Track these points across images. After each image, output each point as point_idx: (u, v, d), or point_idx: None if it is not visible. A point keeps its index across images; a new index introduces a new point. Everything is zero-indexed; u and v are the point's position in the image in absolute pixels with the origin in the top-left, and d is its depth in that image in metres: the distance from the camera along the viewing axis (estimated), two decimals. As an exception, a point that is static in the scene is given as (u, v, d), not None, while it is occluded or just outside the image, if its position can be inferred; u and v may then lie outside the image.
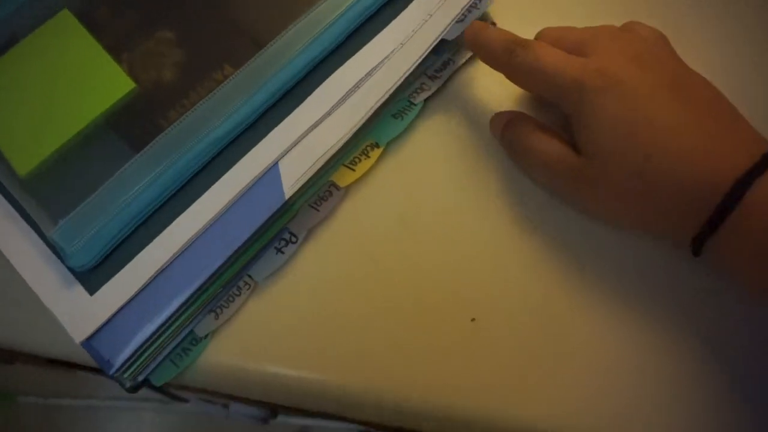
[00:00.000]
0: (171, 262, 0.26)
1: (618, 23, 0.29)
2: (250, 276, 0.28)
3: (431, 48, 0.29)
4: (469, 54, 0.32)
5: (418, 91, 0.31)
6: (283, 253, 0.28)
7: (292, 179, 0.27)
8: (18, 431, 0.87)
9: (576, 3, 0.34)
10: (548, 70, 0.26)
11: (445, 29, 0.30)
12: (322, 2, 0.30)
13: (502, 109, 0.30)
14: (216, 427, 0.82)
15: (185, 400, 0.40)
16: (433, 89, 0.31)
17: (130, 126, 0.28)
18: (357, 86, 0.29)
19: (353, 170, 0.29)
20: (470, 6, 0.31)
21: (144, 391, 0.27)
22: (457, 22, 0.30)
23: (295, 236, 0.28)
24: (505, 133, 0.29)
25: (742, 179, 0.23)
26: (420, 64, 0.29)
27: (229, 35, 0.30)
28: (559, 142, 0.27)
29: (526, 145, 0.28)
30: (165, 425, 0.86)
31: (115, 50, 0.30)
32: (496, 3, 0.32)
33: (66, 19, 0.30)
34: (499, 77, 0.30)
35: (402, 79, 0.29)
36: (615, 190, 0.25)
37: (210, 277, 0.26)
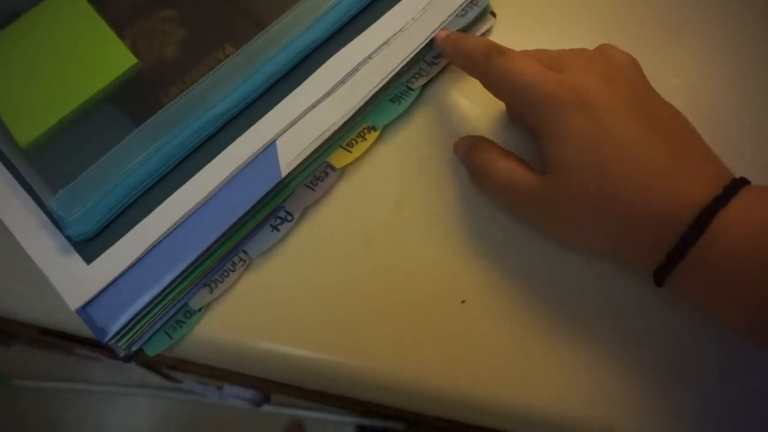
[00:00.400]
0: (167, 235, 0.26)
1: (611, 29, 0.29)
2: (245, 252, 0.28)
3: (431, 37, 0.30)
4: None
5: (416, 76, 0.31)
6: (278, 230, 0.28)
7: (289, 158, 0.28)
8: (12, 413, 0.88)
9: (576, 2, 0.34)
10: (523, 80, 0.25)
11: (446, 21, 0.30)
12: (323, -14, 0.31)
13: (491, 100, 0.30)
14: (209, 414, 0.83)
15: (179, 381, 0.41)
16: (431, 75, 0.31)
17: (132, 100, 0.29)
18: (356, 69, 0.29)
19: (350, 152, 0.30)
20: (470, 1, 0.31)
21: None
22: (457, 15, 0.31)
23: (290, 214, 0.29)
24: (468, 157, 0.29)
25: (705, 211, 0.22)
26: (419, 51, 0.30)
27: (231, 16, 0.31)
28: (521, 165, 0.27)
29: (489, 168, 0.28)
30: (159, 411, 0.87)
31: (118, 26, 0.30)
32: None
33: (71, -5, 0.31)
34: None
35: (401, 65, 0.30)
36: (577, 210, 0.25)
37: (205, 251, 0.26)
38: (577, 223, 0.26)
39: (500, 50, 0.27)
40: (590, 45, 0.28)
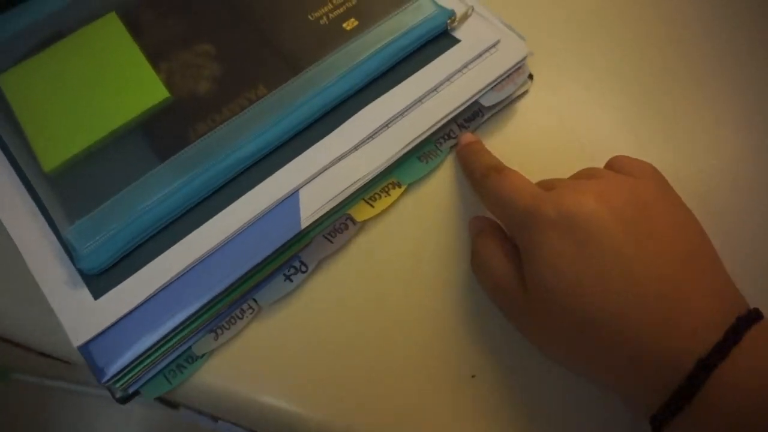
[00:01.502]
0: (179, 277, 0.26)
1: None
2: (255, 300, 0.27)
3: (470, 101, 0.30)
4: (497, 108, 0.32)
5: (446, 137, 0.31)
6: (291, 281, 0.28)
7: (310, 209, 0.27)
8: (8, 408, 0.87)
9: (612, 58, 0.34)
10: (509, 196, 0.25)
11: (483, 90, 0.30)
12: (360, 37, 0.30)
13: (520, 161, 0.29)
14: (204, 430, 0.82)
15: (175, 407, 0.40)
16: (462, 136, 0.31)
17: (159, 134, 0.28)
18: (387, 125, 0.29)
19: (372, 206, 0.29)
20: (508, 78, 0.31)
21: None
22: (493, 89, 0.30)
23: (305, 265, 0.28)
24: (473, 241, 0.28)
25: (703, 362, 0.19)
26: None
27: (267, 57, 0.30)
28: (514, 267, 0.25)
29: (485, 262, 0.26)
30: (153, 420, 0.86)
31: (155, 57, 0.30)
32: (536, 57, 0.32)
33: (112, 22, 0.31)
34: (525, 135, 0.30)
35: (434, 127, 0.29)
36: (556, 334, 0.23)
37: (215, 297, 0.26)
38: (558, 345, 0.24)
39: (499, 170, 0.26)
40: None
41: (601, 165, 0.27)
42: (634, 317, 0.21)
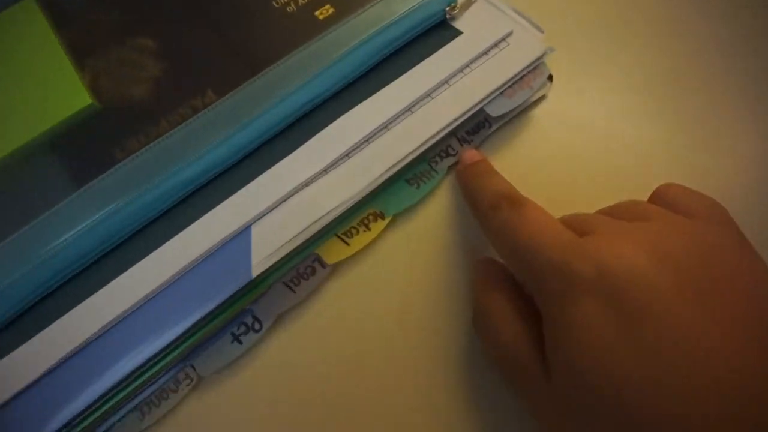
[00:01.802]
0: (96, 338, 0.20)
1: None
2: (193, 367, 0.22)
3: (469, 113, 0.23)
4: (508, 118, 0.25)
5: (443, 155, 0.24)
6: (240, 343, 0.22)
7: (265, 251, 0.21)
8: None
9: (652, 56, 0.27)
10: (522, 239, 0.18)
11: (490, 96, 0.24)
12: (336, 28, 0.24)
13: (531, 192, 0.23)
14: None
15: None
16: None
17: (77, 153, 0.23)
18: (367, 140, 0.23)
19: (347, 244, 0.23)
20: (521, 80, 0.24)
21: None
22: (503, 94, 0.24)
23: (259, 322, 0.22)
24: (478, 292, 0.21)
25: None
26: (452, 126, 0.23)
27: (220, 54, 0.24)
28: (531, 334, 0.18)
29: (490, 321, 0.20)
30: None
31: (79, 54, 0.24)
32: (557, 54, 0.26)
33: (28, 10, 0.25)
34: (542, 152, 0.23)
35: (429, 143, 0.23)
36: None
37: (142, 365, 0.20)
38: None
39: (513, 201, 0.20)
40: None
41: (640, 193, 0.21)
42: (700, 425, 0.15)
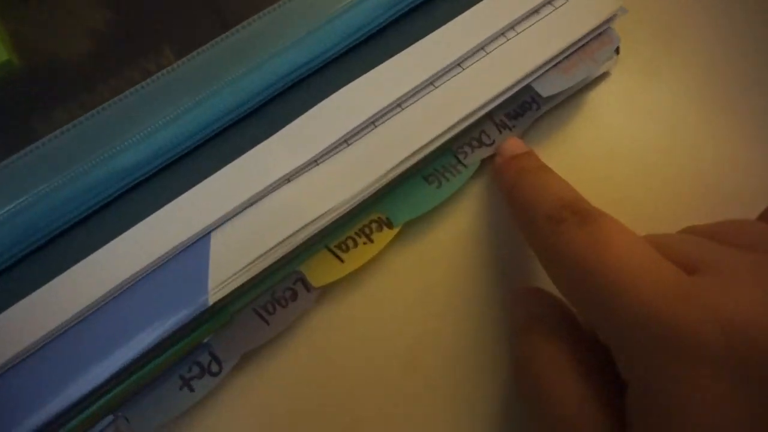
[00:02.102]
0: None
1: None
2: (126, 420, 0.16)
3: (512, 91, 0.17)
4: (561, 98, 0.20)
5: (474, 144, 0.18)
6: (191, 390, 0.16)
7: (226, 271, 0.15)
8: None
9: (741, 28, 0.21)
10: (603, 271, 0.12)
11: (540, 69, 0.18)
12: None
13: (595, 192, 0.17)
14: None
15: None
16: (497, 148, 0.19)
17: (-13, 125, 0.17)
18: (372, 122, 0.17)
19: (340, 261, 0.17)
20: (582, 50, 0.18)
21: None
22: (557, 67, 0.18)
23: (218, 362, 0.16)
24: (521, 336, 0.15)
25: None
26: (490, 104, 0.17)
27: (183, 3, 0.18)
28: (600, 399, 0.13)
29: (538, 380, 0.14)
30: None
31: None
32: (630, 17, 0.20)
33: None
34: (603, 148, 0.17)
35: (457, 128, 0.17)
36: None
37: (51, 421, 0.15)
38: None
39: (583, 213, 0.14)
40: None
41: (731, 205, 0.15)
42: None
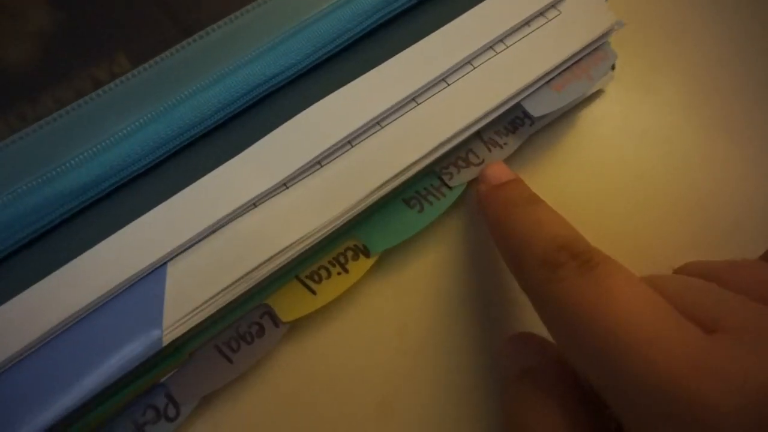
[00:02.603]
0: None
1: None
2: (68, 474, 0.14)
3: (500, 109, 0.16)
4: (552, 117, 0.18)
5: (461, 164, 0.17)
6: (144, 436, 0.15)
7: (183, 308, 0.14)
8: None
9: (743, 46, 0.20)
10: (609, 327, 0.11)
11: (531, 86, 0.16)
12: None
13: (586, 219, 0.15)
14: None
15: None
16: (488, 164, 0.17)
17: None
18: (348, 141, 0.15)
19: (312, 293, 0.16)
20: (576, 66, 0.17)
21: None
22: (548, 85, 0.17)
23: (175, 405, 0.15)
24: (510, 389, 0.14)
25: None
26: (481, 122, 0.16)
27: (141, 6, 0.17)
28: None
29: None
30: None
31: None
32: (626, 30, 0.18)
33: None
34: (596, 170, 0.16)
35: (442, 149, 0.16)
36: None
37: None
38: None
39: (582, 256, 0.12)
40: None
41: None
42: None
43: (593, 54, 0.17)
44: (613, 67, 0.19)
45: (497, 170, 0.16)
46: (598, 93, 0.19)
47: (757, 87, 0.19)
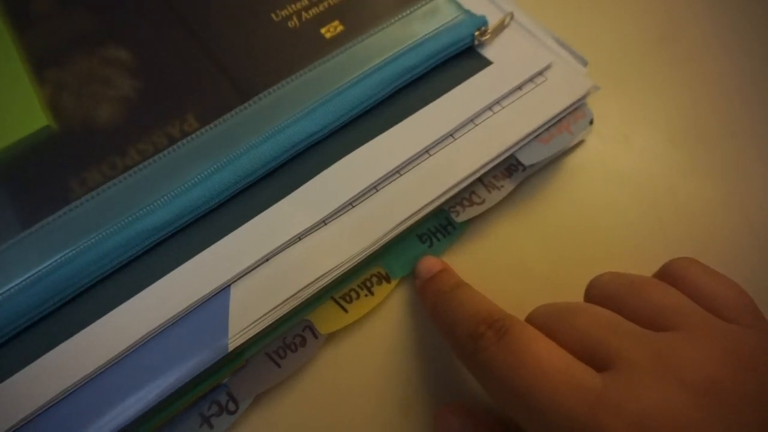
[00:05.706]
0: (31, 419, 0.16)
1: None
2: (150, 456, 0.18)
3: (497, 160, 0.20)
4: (540, 165, 0.22)
5: (465, 204, 0.21)
6: (211, 426, 0.18)
7: (245, 320, 0.17)
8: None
9: (699, 96, 0.24)
10: (525, 383, 0.14)
11: (522, 141, 0.20)
12: (345, 49, 0.21)
13: (566, 258, 0.19)
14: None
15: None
16: (487, 206, 0.21)
17: (26, 185, 0.19)
18: (374, 187, 0.19)
19: (345, 311, 0.19)
20: (559, 123, 0.21)
21: None
22: (537, 138, 0.21)
23: (234, 402, 0.18)
24: None
25: None
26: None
27: (206, 74, 0.21)
28: None
29: None
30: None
31: (39, 63, 0.20)
32: (603, 92, 0.22)
33: (-17, 8, 0.21)
34: (577, 212, 0.20)
35: (449, 193, 0.19)
36: None
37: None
38: None
39: (503, 325, 0.15)
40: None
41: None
42: None
43: (574, 113, 0.21)
44: (591, 122, 0.22)
45: (428, 264, 0.19)
46: (580, 143, 0.23)
47: (717, 137, 0.23)
